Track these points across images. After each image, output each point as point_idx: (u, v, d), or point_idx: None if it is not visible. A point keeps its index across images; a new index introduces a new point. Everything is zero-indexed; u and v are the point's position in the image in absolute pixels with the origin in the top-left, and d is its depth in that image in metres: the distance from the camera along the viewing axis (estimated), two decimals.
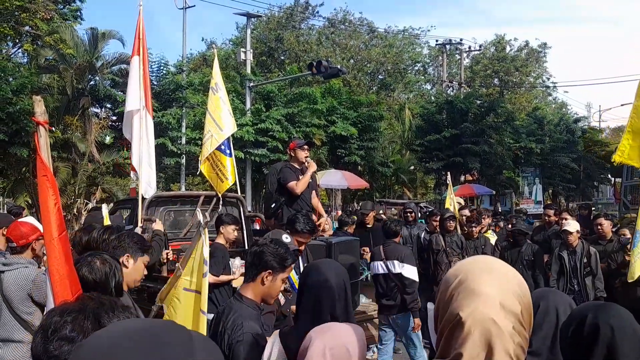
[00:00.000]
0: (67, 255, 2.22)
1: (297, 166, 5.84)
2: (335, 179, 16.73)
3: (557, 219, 7.56)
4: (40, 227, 3.89)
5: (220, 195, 6.49)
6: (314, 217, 6.83)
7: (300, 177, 5.71)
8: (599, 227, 6.56)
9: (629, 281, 5.64)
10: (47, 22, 17.11)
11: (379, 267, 5.54)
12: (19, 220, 4.02)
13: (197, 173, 6.67)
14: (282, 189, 5.75)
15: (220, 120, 6.39)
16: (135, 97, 5.47)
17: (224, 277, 4.97)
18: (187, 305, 2.54)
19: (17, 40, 19.03)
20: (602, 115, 45.73)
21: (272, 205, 5.71)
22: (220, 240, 5.15)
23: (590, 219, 8.54)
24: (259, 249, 2.44)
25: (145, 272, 2.85)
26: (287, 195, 5.70)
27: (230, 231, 5.15)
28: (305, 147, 5.90)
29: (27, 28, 17.75)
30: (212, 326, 2.47)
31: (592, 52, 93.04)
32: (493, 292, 1.10)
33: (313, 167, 5.79)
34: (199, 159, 6.63)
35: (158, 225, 5.18)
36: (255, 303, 2.41)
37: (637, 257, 5.56)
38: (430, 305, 1.53)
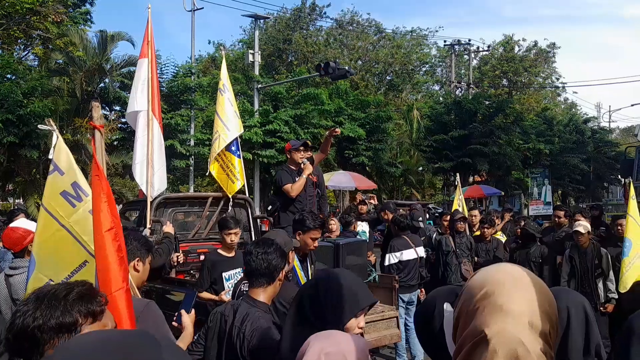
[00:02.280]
0: (119, 248, 2.34)
1: (294, 168, 5.77)
2: (343, 180, 16.74)
3: (567, 220, 7.50)
4: (33, 227, 3.82)
5: (230, 196, 6.46)
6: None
7: (297, 179, 5.63)
8: (619, 227, 6.43)
9: (622, 291, 5.60)
10: (57, 25, 17.26)
11: (422, 251, 6.63)
12: (11, 225, 3.91)
13: (207, 174, 6.65)
14: (279, 192, 5.71)
15: (228, 121, 6.39)
16: (143, 99, 5.47)
17: (205, 295, 4.51)
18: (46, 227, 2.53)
19: (28, 43, 19.22)
20: (612, 115, 45.45)
21: (269, 208, 5.67)
22: (221, 248, 4.78)
23: (601, 220, 8.47)
24: (265, 256, 2.52)
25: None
26: (282, 198, 5.63)
27: (224, 237, 4.71)
28: (301, 148, 5.79)
29: (37, 32, 17.93)
30: (218, 328, 2.47)
31: (601, 51, 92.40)
32: (522, 310, 1.04)
33: (309, 168, 5.66)
34: (209, 160, 6.63)
35: (168, 228, 5.12)
36: (268, 306, 2.47)
37: (628, 267, 5.51)
38: (449, 307, 1.45)
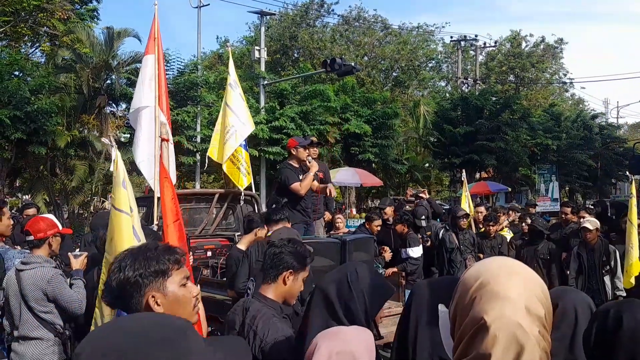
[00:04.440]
0: (181, 237, 2.94)
1: (296, 165, 5.73)
2: (348, 176, 16.71)
3: (574, 217, 7.45)
4: (58, 223, 3.92)
5: (242, 190, 6.49)
6: (327, 215, 6.83)
7: (301, 177, 5.59)
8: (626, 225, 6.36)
9: (626, 287, 5.59)
10: (64, 22, 17.32)
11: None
12: (40, 215, 4.08)
13: (223, 168, 6.60)
14: (281, 190, 5.68)
15: (242, 116, 6.44)
16: (149, 95, 5.45)
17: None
18: (115, 223, 2.84)
19: (36, 40, 19.30)
20: (620, 111, 45.12)
21: (273, 206, 5.68)
22: (242, 245, 4.67)
23: (607, 217, 8.40)
24: (277, 249, 2.44)
25: None
26: (289, 196, 5.57)
27: (263, 235, 4.59)
28: (310, 147, 5.78)
29: (44, 28, 17.99)
30: (228, 324, 2.48)
31: (609, 47, 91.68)
32: (518, 296, 1.07)
33: (315, 167, 5.61)
34: (222, 153, 6.52)
35: None
36: (278, 305, 2.41)
37: (628, 262, 5.50)
38: (443, 307, 1.46)
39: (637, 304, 1.54)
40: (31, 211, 6.27)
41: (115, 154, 2.99)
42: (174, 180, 5.91)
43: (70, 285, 3.66)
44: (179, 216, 2.94)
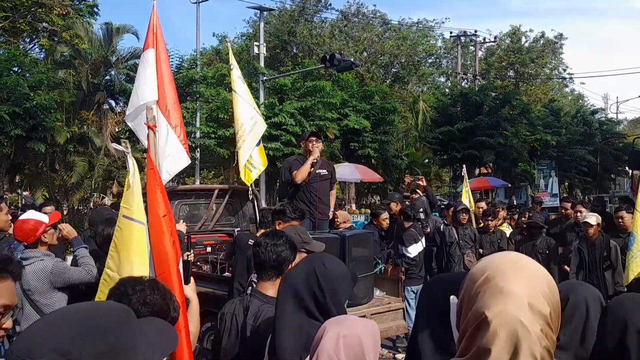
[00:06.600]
0: (172, 233, 2.70)
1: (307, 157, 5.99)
2: (348, 172, 16.72)
3: (574, 212, 7.46)
4: (44, 217, 3.82)
5: (249, 186, 6.54)
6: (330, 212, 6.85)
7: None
8: (620, 220, 6.36)
9: (625, 284, 5.57)
10: (63, 17, 17.27)
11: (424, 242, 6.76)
12: (21, 219, 3.80)
13: (233, 164, 6.64)
14: (287, 181, 5.92)
15: (258, 108, 6.57)
16: (153, 90, 5.41)
17: None
18: (127, 234, 2.68)
19: (34, 36, 19.25)
20: (620, 106, 45.08)
21: (284, 201, 5.77)
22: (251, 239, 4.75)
23: (605, 213, 8.40)
24: (275, 248, 2.47)
25: None
26: (294, 187, 5.83)
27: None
28: (312, 137, 6.05)
29: (43, 24, 17.94)
30: (230, 328, 2.47)
31: (609, 43, 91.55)
32: (522, 292, 1.06)
33: (315, 153, 5.87)
34: (237, 145, 6.46)
35: (180, 226, 5.18)
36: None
37: (632, 260, 5.45)
38: (454, 299, 1.49)
39: (584, 287, 1.57)
40: (49, 209, 6.45)
41: (132, 162, 2.80)
42: (179, 166, 5.94)
43: (75, 257, 3.67)
44: (168, 210, 2.73)
